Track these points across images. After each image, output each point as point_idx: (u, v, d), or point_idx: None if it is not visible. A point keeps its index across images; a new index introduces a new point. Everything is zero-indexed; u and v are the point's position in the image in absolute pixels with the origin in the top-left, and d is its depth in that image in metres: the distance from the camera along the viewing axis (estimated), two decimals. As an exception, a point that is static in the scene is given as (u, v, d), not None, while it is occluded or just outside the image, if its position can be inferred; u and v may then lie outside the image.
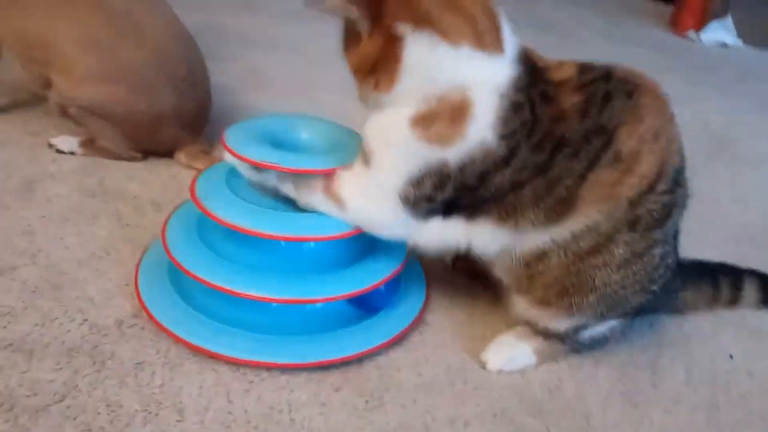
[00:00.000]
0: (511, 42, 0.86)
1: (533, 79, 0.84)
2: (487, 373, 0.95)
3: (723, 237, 1.42)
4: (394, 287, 1.04)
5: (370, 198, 0.87)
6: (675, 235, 0.96)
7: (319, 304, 0.97)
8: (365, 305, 0.98)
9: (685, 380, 1.00)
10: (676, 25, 3.27)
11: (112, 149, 1.33)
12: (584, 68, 0.88)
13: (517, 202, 0.85)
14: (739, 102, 2.36)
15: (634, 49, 2.88)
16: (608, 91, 0.85)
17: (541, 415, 0.90)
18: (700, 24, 3.19)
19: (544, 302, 0.92)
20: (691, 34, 3.18)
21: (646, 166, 0.84)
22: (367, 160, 0.86)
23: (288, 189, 0.91)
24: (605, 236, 0.86)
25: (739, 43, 3.16)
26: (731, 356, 1.07)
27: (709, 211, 1.52)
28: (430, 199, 0.85)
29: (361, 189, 0.87)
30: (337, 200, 0.88)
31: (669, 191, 0.87)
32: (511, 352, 0.97)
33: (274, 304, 0.93)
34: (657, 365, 1.02)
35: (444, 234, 0.90)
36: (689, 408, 0.95)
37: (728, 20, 3.18)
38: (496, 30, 0.84)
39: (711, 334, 1.11)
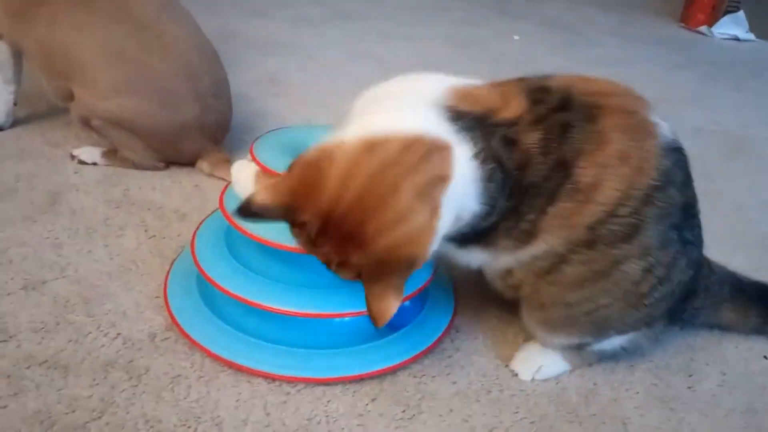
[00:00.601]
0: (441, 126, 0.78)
1: (485, 131, 0.78)
2: (522, 380, 0.95)
3: (748, 242, 1.41)
4: (422, 298, 1.03)
5: None
6: (685, 247, 0.88)
7: (348, 318, 0.97)
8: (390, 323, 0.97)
9: (720, 383, 1.00)
10: (687, 20, 3.25)
11: (134, 160, 1.33)
12: (534, 98, 0.82)
13: (494, 235, 0.84)
14: (754, 99, 2.34)
15: (645, 46, 2.86)
16: (567, 122, 0.80)
17: (579, 421, 0.89)
18: (712, 19, 3.17)
19: (533, 317, 0.93)
20: (703, 29, 3.16)
21: (607, 193, 0.79)
22: None
23: None
24: (559, 257, 0.84)
25: (751, 37, 3.14)
26: (765, 357, 1.06)
27: (731, 215, 1.51)
28: None
29: None
30: None
31: (634, 212, 0.80)
32: (540, 360, 0.96)
33: (304, 318, 0.93)
34: (691, 368, 1.02)
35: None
36: (726, 411, 0.94)
37: (740, 15, 3.16)
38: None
39: (743, 336, 1.10)
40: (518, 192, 0.80)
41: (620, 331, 0.92)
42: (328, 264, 0.77)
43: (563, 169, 0.79)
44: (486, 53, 2.51)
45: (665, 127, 0.86)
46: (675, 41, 3.03)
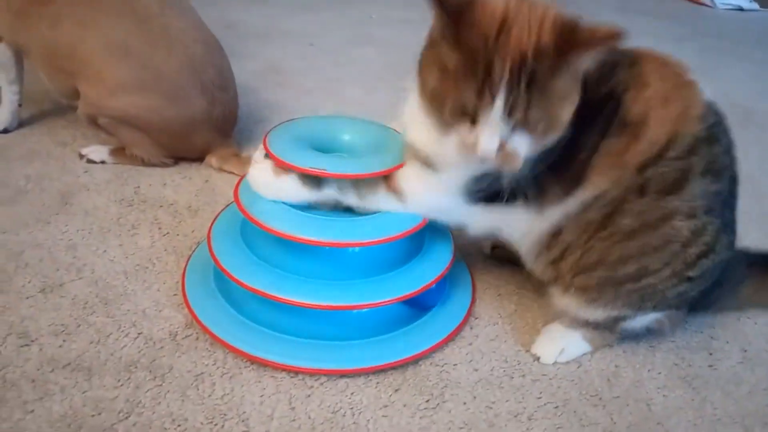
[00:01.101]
0: None
1: None
2: (543, 365, 0.95)
3: (761, 214, 1.40)
4: (442, 284, 1.03)
5: (432, 191, 0.90)
6: (726, 226, 0.90)
7: (368, 309, 0.97)
8: (419, 304, 0.97)
9: (742, 360, 0.99)
10: (689, -8, 3.22)
11: (143, 156, 1.32)
12: None
13: (544, 182, 0.86)
14: (761, 69, 2.32)
15: (650, 19, 2.83)
16: (614, 61, 0.84)
17: (602, 404, 0.89)
18: (715, -10, 3.14)
19: (572, 290, 0.93)
20: (707, 0, 3.12)
21: (655, 131, 0.83)
22: (428, 162, 0.87)
23: (350, 198, 0.91)
24: (612, 205, 0.85)
25: (755, 6, 3.10)
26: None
27: (743, 187, 1.49)
28: (484, 189, 0.87)
29: (423, 184, 0.89)
30: (399, 194, 0.90)
31: (681, 157, 0.84)
32: (561, 343, 0.96)
33: (325, 310, 0.93)
34: (712, 346, 1.01)
35: (485, 219, 0.93)
36: (749, 388, 0.94)
37: (743, -16, 3.13)
38: None
39: (762, 312, 1.10)
40: (577, 123, 0.80)
41: (658, 307, 0.92)
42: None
43: (614, 101, 0.83)
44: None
45: (703, 90, 0.88)
46: (679, 14, 3.00)
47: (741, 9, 3.09)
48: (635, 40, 2.42)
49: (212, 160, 1.35)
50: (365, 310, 0.95)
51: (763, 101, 2.01)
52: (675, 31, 2.68)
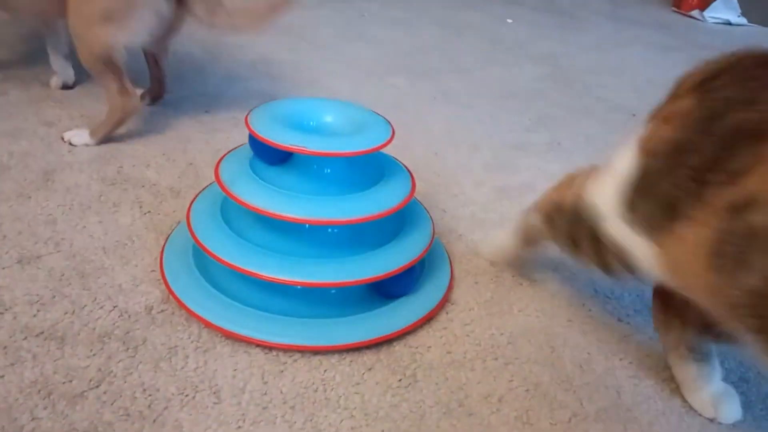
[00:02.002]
0: None
1: None
2: (517, 349, 0.96)
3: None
4: (418, 269, 1.04)
5: None
6: None
7: (344, 287, 0.98)
8: (387, 293, 0.98)
9: (717, 353, 1.00)
10: (680, 4, 3.26)
11: (115, 110, 1.33)
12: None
13: None
14: (747, 79, 2.35)
15: (638, 30, 2.87)
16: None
17: (573, 389, 0.90)
18: (704, 3, 3.18)
19: None
20: (695, 13, 3.17)
21: None
22: None
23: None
24: None
25: (743, 21, 3.15)
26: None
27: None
28: None
29: None
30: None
31: None
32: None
33: (301, 288, 0.94)
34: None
35: None
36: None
37: (732, -2, 3.18)
38: None
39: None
40: None
41: None
42: None
43: None
44: (479, 36, 2.51)
45: None
46: (668, 25, 3.04)
47: (729, 23, 3.13)
48: (628, 48, 2.48)
49: (197, 8, 1.34)
50: (341, 288, 0.95)
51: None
52: (664, 42, 2.71)
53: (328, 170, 0.96)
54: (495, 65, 2.20)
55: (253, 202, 0.89)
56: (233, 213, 0.97)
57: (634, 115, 1.90)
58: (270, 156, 0.97)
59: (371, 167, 1.01)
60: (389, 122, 0.99)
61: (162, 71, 1.54)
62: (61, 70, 1.56)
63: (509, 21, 2.75)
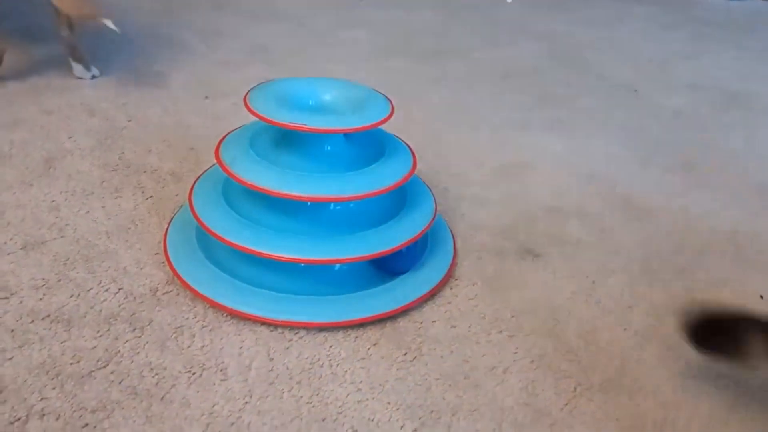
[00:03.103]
0: None
1: None
2: (521, 323, 0.96)
3: (744, 191, 1.41)
4: (418, 248, 1.04)
5: None
6: None
7: (348, 264, 0.98)
8: (386, 268, 0.98)
9: (717, 322, 1.01)
10: (679, -19, 3.23)
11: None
12: None
13: None
14: (748, 55, 2.34)
15: (638, 6, 2.84)
16: None
17: (577, 360, 0.91)
18: (704, -21, 3.15)
19: None
20: (695, -11, 3.14)
21: None
22: None
23: None
24: None
25: (743, -4, 3.12)
26: (761, 297, 1.07)
27: (728, 165, 1.52)
28: None
29: None
30: None
31: None
32: None
33: (304, 265, 0.94)
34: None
35: None
36: (723, 348, 0.96)
37: (732, -27, 3.14)
38: None
39: (740, 279, 1.11)
40: None
41: None
42: None
43: None
44: (478, 17, 2.49)
45: None
46: (668, 2, 3.01)
47: (730, -1, 3.11)
48: (627, 25, 2.47)
49: None
50: (345, 265, 0.96)
51: (748, 84, 2.03)
52: (664, 18, 2.69)
53: (329, 148, 0.96)
54: (494, 45, 2.19)
55: (254, 181, 0.89)
56: (235, 193, 0.98)
57: (635, 91, 1.89)
58: None
59: (372, 144, 1.01)
60: (388, 99, 0.99)
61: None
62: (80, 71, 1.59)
63: (508, 1, 2.74)
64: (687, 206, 1.32)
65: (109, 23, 1.41)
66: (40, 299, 0.91)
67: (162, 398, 0.78)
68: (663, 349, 0.94)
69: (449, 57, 2.04)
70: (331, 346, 0.88)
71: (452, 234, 1.12)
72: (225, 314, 0.91)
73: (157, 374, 0.81)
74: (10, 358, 0.81)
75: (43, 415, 0.74)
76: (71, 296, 0.92)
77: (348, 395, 0.81)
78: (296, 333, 0.89)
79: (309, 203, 0.94)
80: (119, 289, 0.94)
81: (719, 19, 2.77)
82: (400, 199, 1.02)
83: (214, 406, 0.78)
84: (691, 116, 1.76)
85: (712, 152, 1.56)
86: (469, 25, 2.39)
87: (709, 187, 1.40)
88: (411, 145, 1.05)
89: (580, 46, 2.25)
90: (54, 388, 0.78)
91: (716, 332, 0.85)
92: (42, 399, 0.76)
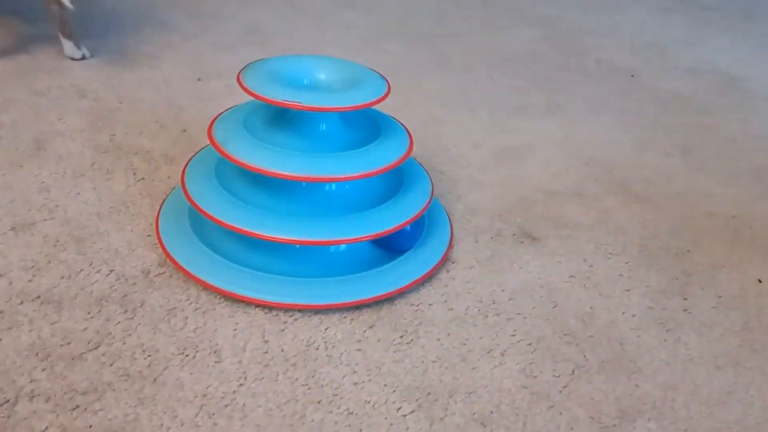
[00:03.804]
0: None
1: None
2: (519, 305, 0.95)
3: (740, 173, 1.41)
4: (419, 227, 1.02)
5: None
6: None
7: (344, 246, 0.97)
8: (392, 247, 0.97)
9: (716, 305, 1.00)
10: (676, -34, 3.20)
11: None
12: None
13: None
14: (746, 40, 2.32)
15: (636, -8, 2.82)
16: None
17: (576, 342, 0.90)
18: (702, -36, 3.13)
19: None
20: (693, -26, 3.12)
21: None
22: None
23: None
24: None
25: (741, -19, 3.10)
26: (760, 281, 1.06)
27: (725, 148, 1.51)
28: None
29: None
30: None
31: None
32: None
33: (299, 246, 0.93)
34: (687, 292, 1.02)
35: None
36: (722, 331, 0.95)
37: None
38: None
39: (738, 263, 1.10)
40: None
41: None
42: None
43: None
44: (474, 0, 2.47)
45: None
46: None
47: (728, -15, 3.09)
48: (624, 9, 2.46)
49: None
50: (341, 247, 0.94)
51: (745, 68, 2.02)
52: (661, 3, 2.67)
53: (324, 127, 0.94)
54: (491, 29, 2.17)
55: (248, 161, 0.88)
56: (228, 173, 0.96)
57: (632, 75, 1.88)
58: None
59: (368, 125, 0.99)
60: (385, 78, 0.97)
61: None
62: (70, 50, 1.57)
63: (504, -14, 2.71)
64: (685, 190, 1.31)
65: (65, 0, 1.42)
66: (30, 281, 0.89)
67: (155, 380, 0.77)
68: (661, 331, 0.93)
69: (446, 40, 2.02)
70: (326, 328, 0.87)
71: (449, 217, 1.11)
72: (218, 296, 0.89)
73: (149, 356, 0.80)
74: (-1, 340, 0.80)
75: (33, 396, 0.73)
76: (62, 278, 0.90)
77: (344, 377, 0.80)
78: (291, 315, 0.88)
79: (304, 183, 0.92)
80: (111, 271, 0.92)
81: (716, 4, 2.75)
82: (397, 180, 1.00)
83: (207, 387, 0.76)
84: (689, 100, 1.75)
85: (710, 136, 1.55)
86: (465, 9, 2.36)
87: (707, 171, 1.39)
88: (408, 127, 1.03)
89: (578, 31, 2.23)
90: (44, 370, 0.76)
91: None
92: (32, 381, 0.75)
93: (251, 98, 0.93)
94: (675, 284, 1.03)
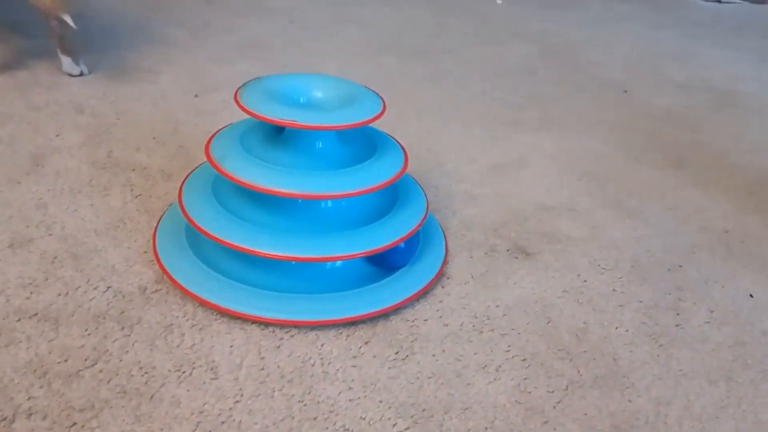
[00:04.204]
0: None
1: None
2: (513, 320, 0.96)
3: (733, 187, 1.42)
4: (414, 243, 1.03)
5: None
6: None
7: (340, 262, 0.97)
8: (386, 264, 0.97)
9: (708, 320, 1.01)
10: (669, -19, 3.24)
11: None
12: None
13: None
14: (738, 56, 2.35)
15: (628, 7, 2.86)
16: None
17: (569, 357, 0.90)
18: (694, -21, 3.17)
19: None
20: (685, -11, 3.16)
21: None
22: None
23: None
24: None
25: (733, -4, 3.14)
26: (752, 296, 1.07)
27: (719, 162, 1.52)
28: None
29: None
30: None
31: None
32: None
33: (295, 263, 0.93)
34: (679, 307, 1.03)
35: None
36: (714, 346, 0.96)
37: (722, -26, 3.16)
38: None
39: (730, 277, 1.11)
40: None
41: None
42: None
43: None
44: (469, 16, 2.49)
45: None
46: (657, 2, 3.03)
47: (719, 1, 3.13)
48: (617, 25, 2.49)
49: None
50: (336, 263, 0.95)
51: (737, 84, 2.04)
52: (654, 19, 2.70)
53: (320, 145, 0.95)
54: (485, 44, 2.19)
55: (244, 178, 0.89)
56: (225, 190, 0.97)
57: (625, 91, 1.90)
58: None
59: (363, 142, 1.00)
60: (380, 96, 0.98)
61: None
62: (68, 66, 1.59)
63: (498, 1, 2.74)
64: (677, 205, 1.32)
65: (68, 18, 1.43)
66: (28, 297, 0.90)
67: (151, 397, 0.77)
68: (654, 346, 0.94)
69: (440, 55, 2.04)
70: (322, 345, 0.87)
71: (444, 232, 1.12)
72: (215, 313, 0.90)
73: (146, 373, 0.80)
74: (-3, 358, 0.80)
75: (30, 414, 0.73)
76: (59, 295, 0.91)
77: (340, 394, 0.80)
78: (287, 331, 0.89)
79: (300, 200, 0.93)
80: (108, 288, 0.93)
81: (708, 21, 2.79)
82: (392, 197, 1.01)
83: (204, 404, 0.77)
84: (681, 115, 1.77)
85: (703, 151, 1.57)
86: (460, 24, 2.39)
87: (700, 186, 1.40)
88: (402, 143, 1.04)
89: (571, 46, 2.26)
90: (41, 387, 0.77)
91: None
92: (29, 398, 0.75)
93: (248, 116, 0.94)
94: (668, 299, 1.04)
